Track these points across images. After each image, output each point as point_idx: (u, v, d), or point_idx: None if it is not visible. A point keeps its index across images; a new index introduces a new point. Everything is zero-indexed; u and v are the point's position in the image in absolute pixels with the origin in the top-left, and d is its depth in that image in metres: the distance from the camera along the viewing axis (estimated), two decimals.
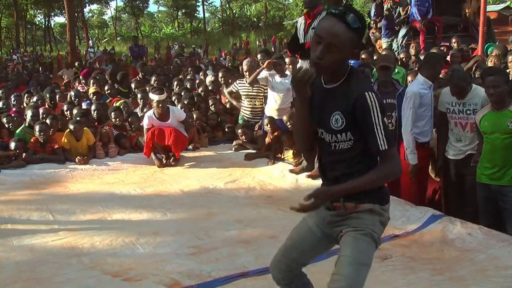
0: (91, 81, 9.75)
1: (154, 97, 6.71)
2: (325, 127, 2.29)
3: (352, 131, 2.22)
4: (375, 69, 6.24)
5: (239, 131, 7.37)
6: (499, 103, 4.25)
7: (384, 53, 7.53)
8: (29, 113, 7.26)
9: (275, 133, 6.73)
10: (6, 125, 7.32)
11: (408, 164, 5.06)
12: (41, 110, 7.52)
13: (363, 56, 8.15)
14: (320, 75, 2.28)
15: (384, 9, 12.34)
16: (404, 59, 8.82)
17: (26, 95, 9.62)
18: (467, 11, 12.57)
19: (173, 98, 8.40)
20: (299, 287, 2.55)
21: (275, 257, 2.54)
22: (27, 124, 7.13)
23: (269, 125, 6.77)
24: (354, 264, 2.20)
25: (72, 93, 9.27)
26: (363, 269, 2.22)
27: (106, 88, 9.20)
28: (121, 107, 7.83)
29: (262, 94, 7.49)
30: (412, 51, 9.18)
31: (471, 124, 4.75)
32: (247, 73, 7.38)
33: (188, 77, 11.79)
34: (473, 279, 3.42)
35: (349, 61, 2.25)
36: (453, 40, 9.75)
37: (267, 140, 6.88)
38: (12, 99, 9.42)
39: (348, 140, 2.24)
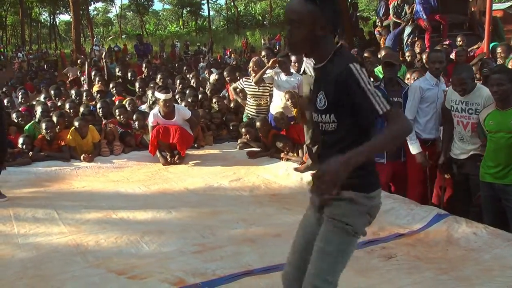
0: (96, 79, 9.77)
1: (160, 96, 6.71)
2: (314, 107, 2.28)
3: (335, 112, 2.18)
4: (380, 68, 6.23)
5: (243, 129, 7.38)
6: (503, 101, 4.23)
7: (385, 51, 7.50)
8: (38, 109, 7.35)
9: (271, 133, 6.81)
10: (16, 120, 7.38)
11: (414, 162, 5.07)
12: (49, 104, 7.59)
13: (366, 55, 8.13)
14: (298, 54, 2.31)
15: (391, 7, 12.31)
16: (409, 57, 8.79)
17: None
18: (473, 9, 12.52)
19: (177, 96, 8.41)
20: None
21: (284, 270, 2.49)
22: (36, 120, 7.17)
23: (262, 128, 6.89)
24: (320, 253, 2.22)
25: (73, 91, 9.29)
26: (329, 259, 2.21)
27: (111, 86, 9.21)
28: (127, 104, 7.84)
29: (268, 93, 7.49)
30: (417, 49, 9.15)
31: (472, 124, 4.73)
32: (254, 72, 7.38)
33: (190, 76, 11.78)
34: (478, 279, 3.41)
35: (334, 42, 2.21)
36: (458, 39, 9.71)
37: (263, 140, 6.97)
38: (20, 96, 9.46)
39: (332, 122, 2.20)
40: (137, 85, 9.70)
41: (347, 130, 2.18)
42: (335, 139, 2.22)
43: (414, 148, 5.09)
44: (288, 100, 6.60)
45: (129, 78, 10.04)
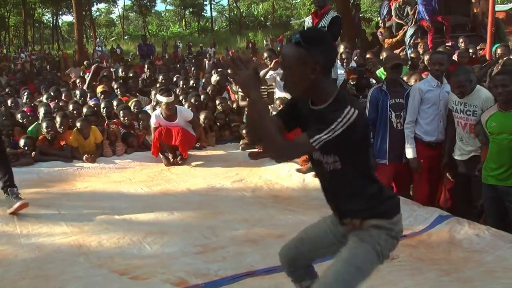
0: (100, 79, 9.78)
1: (162, 99, 6.71)
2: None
3: (335, 152, 2.21)
4: (383, 69, 6.23)
5: (244, 131, 7.38)
6: (507, 103, 4.22)
7: (387, 53, 7.49)
8: (42, 110, 7.36)
9: None
10: (21, 121, 7.40)
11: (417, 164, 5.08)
12: (52, 105, 7.61)
13: (368, 56, 8.13)
14: (298, 98, 2.34)
15: (393, 9, 12.32)
16: (414, 58, 8.77)
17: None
18: (475, 10, 12.51)
19: (180, 97, 8.41)
20: (301, 275, 2.59)
21: (287, 244, 2.60)
22: (40, 121, 7.19)
23: None
24: (345, 263, 2.24)
25: (78, 92, 9.30)
26: (353, 271, 2.23)
27: (115, 86, 9.22)
28: (133, 105, 7.86)
29: (265, 93, 7.48)
30: (420, 50, 9.15)
31: (470, 125, 4.73)
32: None
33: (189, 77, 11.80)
34: (480, 281, 3.41)
35: (331, 82, 2.23)
36: (460, 40, 9.71)
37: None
38: (25, 97, 9.49)
39: (334, 162, 2.24)
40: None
41: (348, 165, 2.23)
42: (336, 177, 2.28)
43: (409, 152, 5.11)
44: (279, 106, 6.59)
45: (131, 78, 10.05)
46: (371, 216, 2.27)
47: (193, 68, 13.85)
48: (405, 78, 6.33)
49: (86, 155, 6.80)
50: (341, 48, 8.02)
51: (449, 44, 10.18)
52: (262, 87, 7.44)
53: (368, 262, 2.27)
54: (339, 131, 2.05)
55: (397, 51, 11.26)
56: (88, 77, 10.91)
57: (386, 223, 2.29)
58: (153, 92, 8.39)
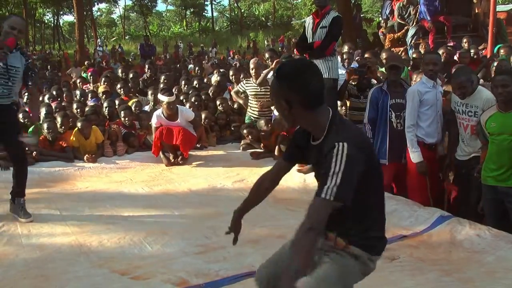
0: (102, 79, 9.78)
1: (163, 98, 6.71)
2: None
3: None
4: (384, 69, 6.24)
5: (245, 131, 7.39)
6: (507, 103, 4.21)
7: (388, 54, 7.49)
8: (43, 110, 7.36)
9: (274, 134, 6.84)
10: (22, 121, 7.39)
11: (413, 167, 5.06)
12: (53, 105, 7.61)
13: (366, 55, 8.12)
14: (290, 127, 2.33)
15: (396, 8, 12.32)
16: (416, 59, 8.77)
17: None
18: (477, 11, 12.51)
19: (181, 97, 8.41)
20: None
21: (264, 263, 2.56)
22: (41, 121, 7.19)
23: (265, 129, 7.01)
24: (317, 279, 2.15)
25: (78, 92, 9.31)
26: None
27: (118, 86, 9.23)
28: (133, 106, 7.87)
29: (269, 93, 7.49)
30: (421, 50, 9.14)
31: (471, 126, 4.72)
32: (254, 72, 7.39)
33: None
34: (481, 281, 3.41)
35: (320, 114, 2.16)
36: (464, 40, 9.70)
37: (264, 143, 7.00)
38: (25, 97, 9.47)
39: None
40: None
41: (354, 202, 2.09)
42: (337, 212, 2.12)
43: (415, 157, 5.02)
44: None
45: (132, 79, 10.03)
46: (357, 244, 2.24)
47: (196, 68, 13.82)
48: (414, 78, 6.33)
49: (87, 155, 6.80)
50: (345, 49, 8.02)
51: (452, 44, 10.19)
52: (264, 88, 7.45)
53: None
54: (342, 170, 1.99)
55: (397, 50, 11.28)
56: (90, 76, 10.92)
57: (366, 257, 2.27)
58: (149, 92, 8.38)
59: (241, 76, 8.75)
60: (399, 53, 10.35)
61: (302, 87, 2.09)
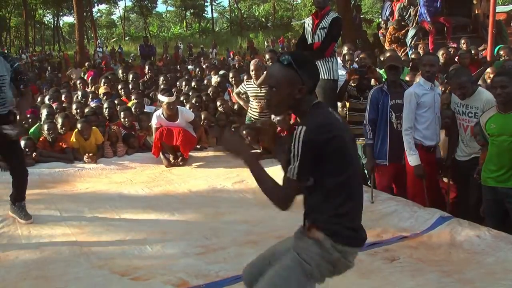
0: (102, 80, 9.79)
1: (163, 99, 6.72)
2: None
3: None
4: (383, 70, 6.24)
5: (244, 132, 7.38)
6: (506, 104, 4.20)
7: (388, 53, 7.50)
8: (44, 112, 7.36)
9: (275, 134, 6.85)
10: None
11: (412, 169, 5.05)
12: (54, 106, 7.61)
13: (362, 56, 8.13)
14: (278, 115, 2.41)
15: (396, 9, 12.33)
16: (415, 59, 8.78)
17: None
18: (477, 12, 12.52)
19: (181, 98, 8.42)
20: None
21: (253, 261, 2.60)
22: (42, 122, 7.19)
23: (266, 129, 6.97)
24: (273, 274, 2.30)
25: (79, 93, 9.31)
26: (278, 284, 2.26)
27: (119, 87, 9.23)
28: (133, 107, 7.87)
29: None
30: (420, 51, 9.15)
31: (471, 127, 4.72)
32: (254, 73, 7.39)
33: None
34: (481, 282, 3.41)
35: (311, 100, 2.31)
36: (462, 41, 9.71)
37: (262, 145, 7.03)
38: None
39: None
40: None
41: (321, 179, 2.24)
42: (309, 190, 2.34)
43: (413, 160, 4.97)
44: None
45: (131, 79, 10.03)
46: (322, 228, 2.26)
47: (197, 69, 13.83)
48: (407, 79, 6.33)
49: (87, 154, 6.80)
50: (345, 50, 8.02)
51: (454, 45, 10.19)
52: (264, 89, 7.45)
53: (295, 282, 2.26)
54: (300, 154, 2.15)
55: (398, 49, 11.29)
56: (90, 81, 10.92)
57: (329, 244, 2.25)
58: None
59: (245, 76, 8.77)
60: (400, 53, 10.37)
61: (316, 73, 2.33)
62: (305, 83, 2.24)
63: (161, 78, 9.95)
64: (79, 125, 6.94)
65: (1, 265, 3.80)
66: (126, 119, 7.45)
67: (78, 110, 7.72)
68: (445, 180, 5.43)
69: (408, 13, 12.00)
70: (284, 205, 2.29)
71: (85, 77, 12.61)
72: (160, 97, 6.85)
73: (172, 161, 6.85)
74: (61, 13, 52.32)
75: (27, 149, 6.67)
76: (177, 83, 10.20)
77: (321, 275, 2.30)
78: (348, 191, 2.26)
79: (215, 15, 62.14)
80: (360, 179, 2.44)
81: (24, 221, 4.65)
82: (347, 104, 6.50)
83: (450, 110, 5.17)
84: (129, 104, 8.15)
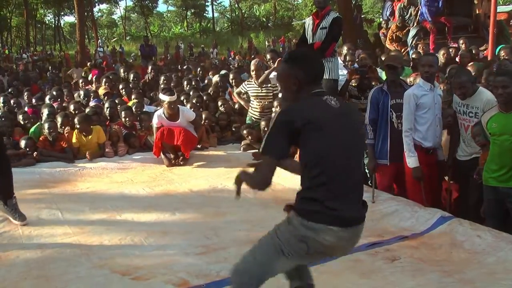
0: (103, 80, 9.79)
1: (165, 98, 6.72)
2: None
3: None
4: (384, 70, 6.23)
5: (245, 131, 7.39)
6: (508, 104, 4.20)
7: (392, 53, 7.50)
8: (45, 111, 7.36)
9: None
10: (22, 122, 7.41)
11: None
12: (55, 105, 7.62)
13: (362, 56, 8.13)
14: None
15: (397, 9, 12.31)
16: (416, 59, 8.77)
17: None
18: (477, 11, 12.49)
19: (182, 98, 8.42)
20: (292, 275, 2.77)
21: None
22: (43, 121, 7.20)
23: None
24: (251, 251, 2.58)
25: (81, 92, 9.32)
26: (251, 261, 2.53)
27: (120, 87, 9.23)
28: (134, 107, 7.88)
29: (271, 94, 7.49)
30: (420, 51, 9.14)
31: (472, 127, 4.72)
32: (255, 73, 7.40)
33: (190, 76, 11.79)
34: (482, 282, 3.41)
35: (308, 91, 2.53)
36: (461, 41, 9.70)
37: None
38: (25, 97, 9.51)
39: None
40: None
41: (302, 158, 2.55)
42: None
43: (412, 162, 4.95)
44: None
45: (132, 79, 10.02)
46: (297, 208, 2.45)
47: (198, 69, 13.80)
48: (411, 79, 6.32)
49: (88, 151, 6.83)
50: (344, 50, 8.02)
51: (455, 45, 10.18)
52: (265, 89, 7.46)
53: (266, 255, 2.49)
54: (269, 129, 2.44)
55: (399, 48, 11.28)
56: (94, 80, 10.92)
57: (298, 221, 2.39)
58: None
59: (241, 77, 8.77)
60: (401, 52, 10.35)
61: (308, 66, 2.55)
62: (298, 76, 2.49)
63: (162, 78, 9.94)
64: (76, 121, 6.94)
65: (2, 265, 3.81)
66: (127, 119, 7.45)
67: (77, 111, 7.72)
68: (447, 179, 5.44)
69: (409, 13, 11.99)
70: (261, 182, 2.54)
71: (88, 76, 12.63)
72: (162, 96, 6.85)
73: (173, 160, 6.85)
74: (62, 13, 52.38)
75: (27, 149, 6.69)
76: (184, 82, 10.14)
77: (294, 252, 2.42)
78: (326, 172, 2.39)
79: (216, 15, 62.28)
80: (350, 161, 2.50)
81: (19, 223, 4.58)
82: None
83: (451, 109, 5.16)
84: (130, 104, 8.15)
